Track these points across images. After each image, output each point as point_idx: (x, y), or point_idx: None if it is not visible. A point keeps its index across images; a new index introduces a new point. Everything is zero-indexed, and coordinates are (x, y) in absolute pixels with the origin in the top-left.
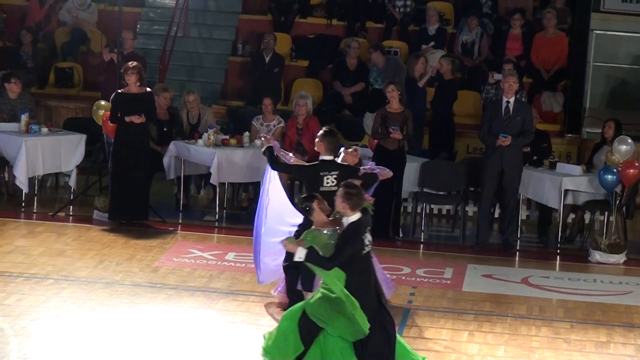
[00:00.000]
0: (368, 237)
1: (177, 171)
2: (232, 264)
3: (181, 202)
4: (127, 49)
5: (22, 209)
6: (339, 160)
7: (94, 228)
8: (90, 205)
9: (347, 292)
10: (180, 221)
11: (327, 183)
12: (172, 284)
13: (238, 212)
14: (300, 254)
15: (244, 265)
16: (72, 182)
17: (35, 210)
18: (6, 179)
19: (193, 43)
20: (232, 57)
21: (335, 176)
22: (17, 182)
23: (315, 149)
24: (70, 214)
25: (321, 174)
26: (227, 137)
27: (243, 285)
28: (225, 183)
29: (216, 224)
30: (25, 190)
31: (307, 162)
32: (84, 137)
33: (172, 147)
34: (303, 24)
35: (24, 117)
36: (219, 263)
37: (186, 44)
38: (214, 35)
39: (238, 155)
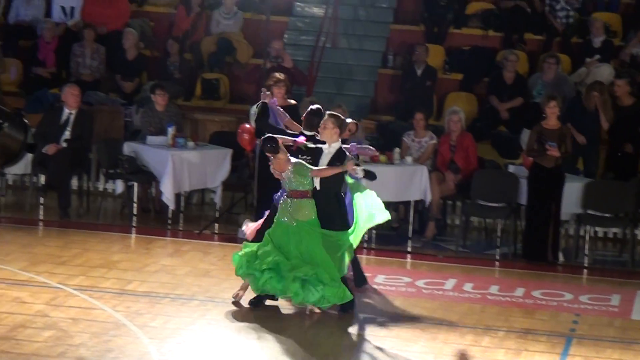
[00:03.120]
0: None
1: None
2: (382, 287)
3: None
4: (285, 63)
5: (169, 227)
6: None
7: (239, 247)
8: (235, 224)
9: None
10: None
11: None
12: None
13: (388, 233)
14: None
15: (394, 288)
16: (218, 198)
17: (181, 228)
18: (153, 194)
19: (342, 54)
20: (382, 69)
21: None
22: (164, 198)
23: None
24: (216, 232)
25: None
26: (377, 153)
27: (394, 309)
28: None
29: (365, 245)
30: (171, 206)
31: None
32: (230, 152)
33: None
34: (457, 35)
35: (171, 130)
36: (367, 286)
37: (335, 55)
38: (364, 46)
39: (388, 172)
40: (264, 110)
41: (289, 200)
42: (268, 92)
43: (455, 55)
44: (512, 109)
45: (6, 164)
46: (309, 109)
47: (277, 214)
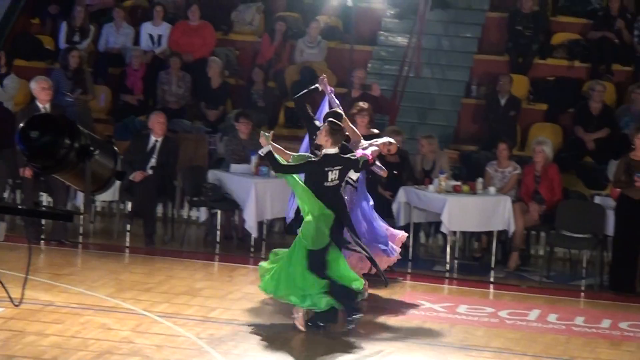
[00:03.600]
0: (335, 174)
1: (406, 218)
2: (464, 317)
3: (410, 250)
4: (373, 92)
5: (251, 254)
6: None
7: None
8: None
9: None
10: (409, 270)
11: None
12: (401, 336)
13: (470, 263)
14: (264, 150)
15: (476, 318)
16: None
17: (263, 256)
18: (236, 222)
19: (425, 84)
20: (466, 99)
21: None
22: (247, 226)
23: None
24: None
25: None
26: (459, 183)
27: (476, 339)
28: (456, 231)
29: (447, 275)
30: (254, 234)
31: None
32: None
33: (402, 193)
34: (542, 66)
35: (254, 159)
36: (450, 316)
37: (418, 85)
38: (448, 75)
39: (471, 202)
40: (310, 92)
41: None
42: (325, 79)
43: (540, 86)
44: (599, 140)
45: (96, 192)
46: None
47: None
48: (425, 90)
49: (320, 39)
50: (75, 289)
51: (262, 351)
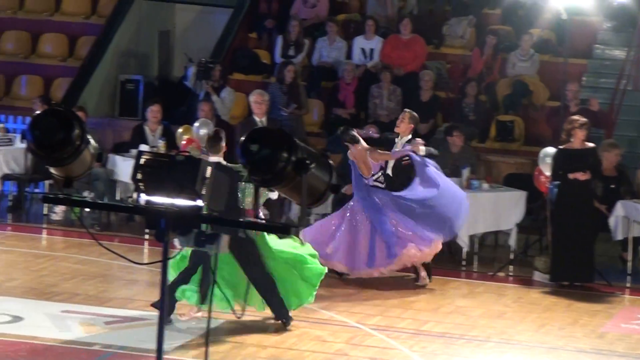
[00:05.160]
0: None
1: (624, 232)
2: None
3: (629, 264)
4: (592, 107)
5: (463, 268)
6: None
7: (535, 290)
8: (530, 266)
9: None
10: (628, 285)
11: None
12: (620, 352)
13: None
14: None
15: None
16: (512, 241)
17: (475, 269)
18: None
19: None
20: None
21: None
22: (458, 240)
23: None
24: (510, 274)
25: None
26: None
27: None
28: None
29: (629, 285)
30: (465, 248)
31: None
32: (524, 194)
33: (620, 207)
34: None
35: (465, 172)
36: None
37: (636, 98)
38: None
39: None
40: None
41: None
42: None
43: None
44: None
45: (312, 205)
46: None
47: None
48: None
49: (533, 52)
50: None
51: None
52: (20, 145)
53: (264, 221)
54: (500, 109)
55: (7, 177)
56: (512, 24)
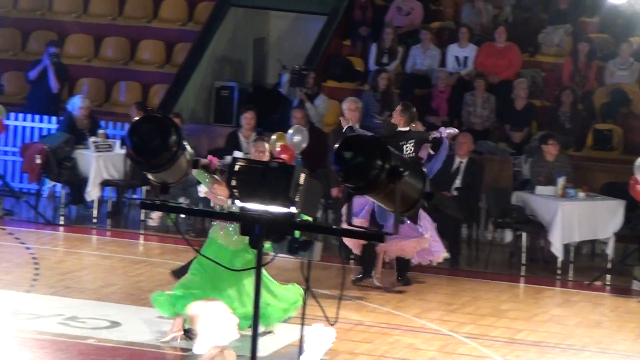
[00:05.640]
0: None
1: None
2: None
3: None
4: None
5: (558, 277)
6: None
7: (633, 299)
8: (628, 275)
9: None
10: None
11: (407, 151)
12: None
13: None
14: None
15: None
16: (610, 250)
17: (570, 278)
18: (542, 244)
19: None
20: None
21: (412, 144)
22: (553, 249)
23: (394, 121)
24: (607, 283)
25: (400, 143)
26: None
27: None
28: None
29: None
30: (560, 257)
31: None
32: (623, 202)
33: None
34: None
35: (561, 181)
36: None
37: None
38: None
39: None
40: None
41: None
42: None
43: None
44: None
45: (406, 212)
46: (401, 106)
47: None
48: None
49: (632, 60)
50: (383, 308)
51: None
52: (119, 151)
53: (359, 229)
54: (597, 117)
55: (106, 183)
56: (611, 33)
